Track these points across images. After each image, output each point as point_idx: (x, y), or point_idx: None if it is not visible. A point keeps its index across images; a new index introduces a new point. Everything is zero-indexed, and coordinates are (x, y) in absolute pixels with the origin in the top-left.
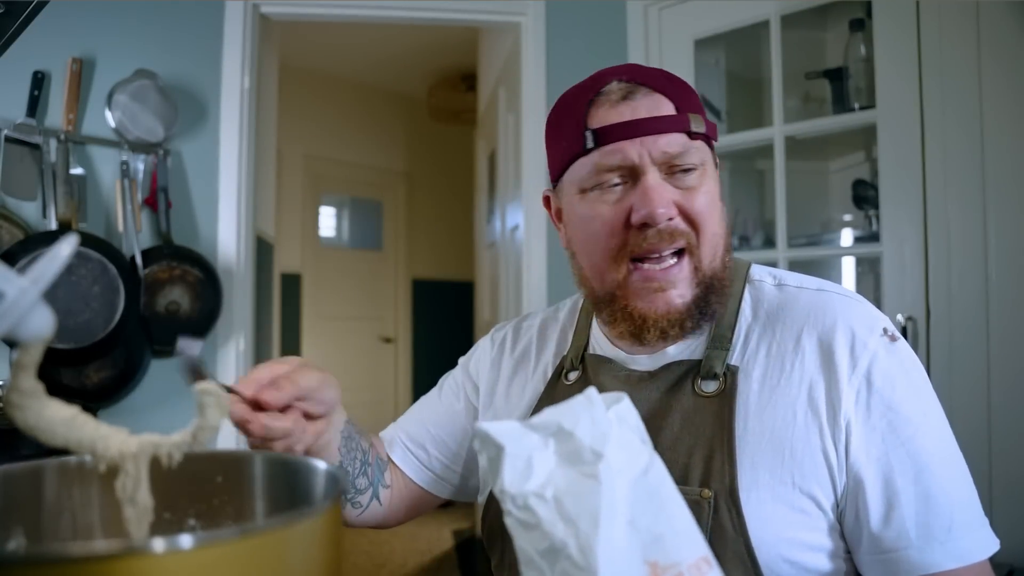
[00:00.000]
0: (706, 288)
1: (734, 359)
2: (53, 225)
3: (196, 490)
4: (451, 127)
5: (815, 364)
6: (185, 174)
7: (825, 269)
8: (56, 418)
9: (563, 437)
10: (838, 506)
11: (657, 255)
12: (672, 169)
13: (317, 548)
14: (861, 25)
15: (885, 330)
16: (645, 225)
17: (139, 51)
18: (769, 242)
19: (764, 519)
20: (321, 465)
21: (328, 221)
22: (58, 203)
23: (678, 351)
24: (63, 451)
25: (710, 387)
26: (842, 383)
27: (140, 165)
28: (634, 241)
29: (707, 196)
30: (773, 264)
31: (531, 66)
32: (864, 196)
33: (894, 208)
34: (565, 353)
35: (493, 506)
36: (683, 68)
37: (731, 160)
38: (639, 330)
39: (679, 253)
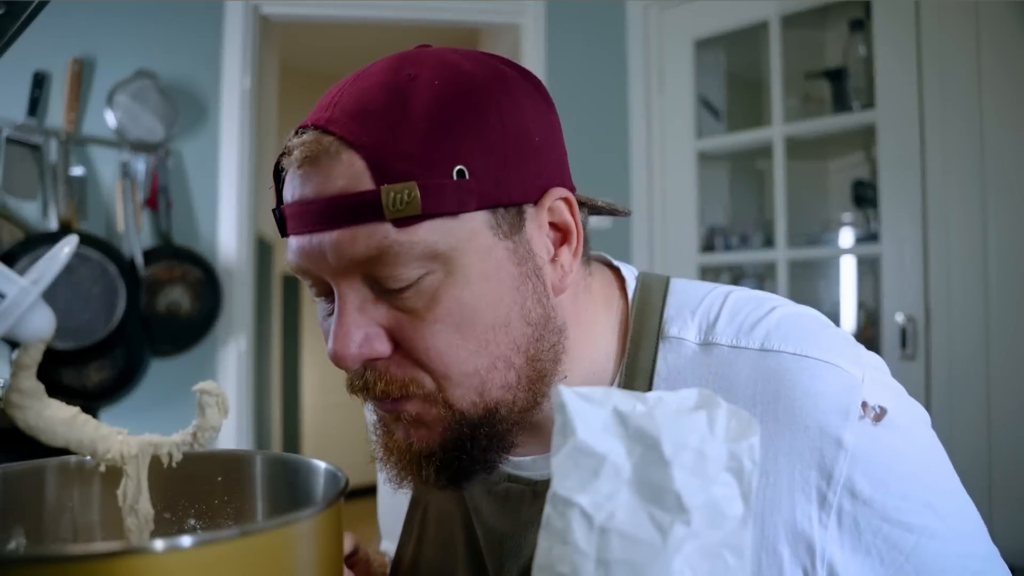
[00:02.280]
0: (471, 435)
1: None
2: (53, 225)
3: (196, 490)
4: None
5: (774, 484)
6: (185, 174)
7: (825, 269)
8: (56, 418)
9: (653, 457)
10: None
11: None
12: (378, 283)
13: (317, 548)
14: (861, 25)
15: (865, 405)
16: None
17: (139, 51)
18: (769, 242)
19: None
20: (321, 465)
21: None
22: (58, 203)
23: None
24: (63, 451)
25: None
26: (813, 508)
27: (140, 165)
28: (350, 383)
29: (446, 319)
30: (773, 264)
31: (531, 66)
32: (864, 196)
33: (894, 208)
34: None
35: None
36: (683, 68)
37: (731, 160)
38: (401, 464)
39: (405, 397)
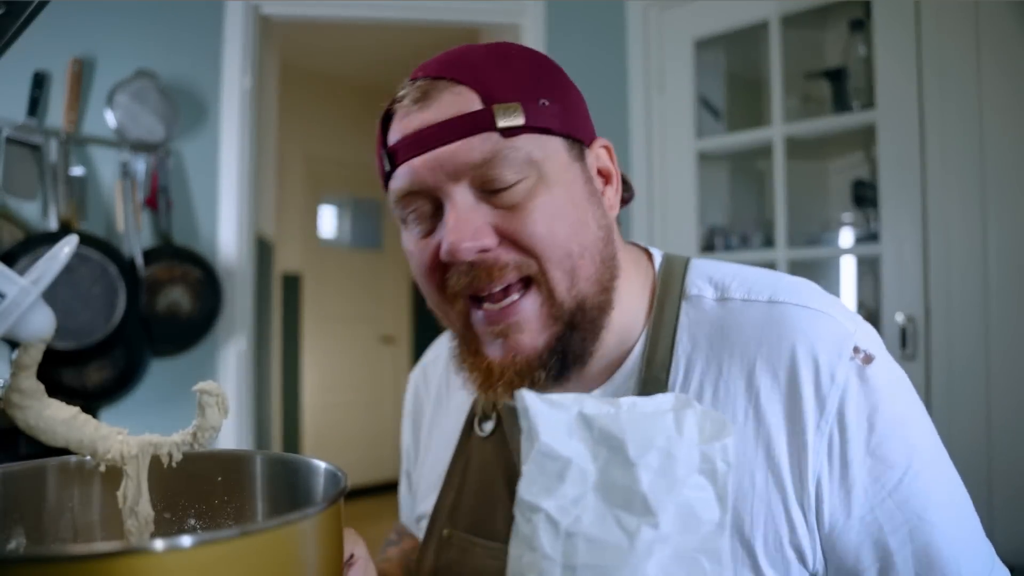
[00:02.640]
0: (570, 325)
1: None
2: (53, 225)
3: (196, 490)
4: None
5: (774, 411)
6: (185, 174)
7: (825, 269)
8: (56, 418)
9: (618, 460)
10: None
11: (488, 293)
12: (487, 185)
13: (317, 548)
14: (861, 25)
15: (856, 349)
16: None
17: (139, 51)
18: (769, 242)
19: None
20: (321, 465)
21: (328, 221)
22: (58, 203)
23: (605, 395)
24: (63, 451)
25: None
26: (808, 434)
27: (140, 165)
28: (455, 281)
29: (542, 211)
30: (773, 264)
31: None
32: (864, 196)
33: (894, 208)
34: (476, 396)
35: (429, 557)
36: (683, 68)
37: (731, 160)
38: (486, 382)
39: (525, 281)
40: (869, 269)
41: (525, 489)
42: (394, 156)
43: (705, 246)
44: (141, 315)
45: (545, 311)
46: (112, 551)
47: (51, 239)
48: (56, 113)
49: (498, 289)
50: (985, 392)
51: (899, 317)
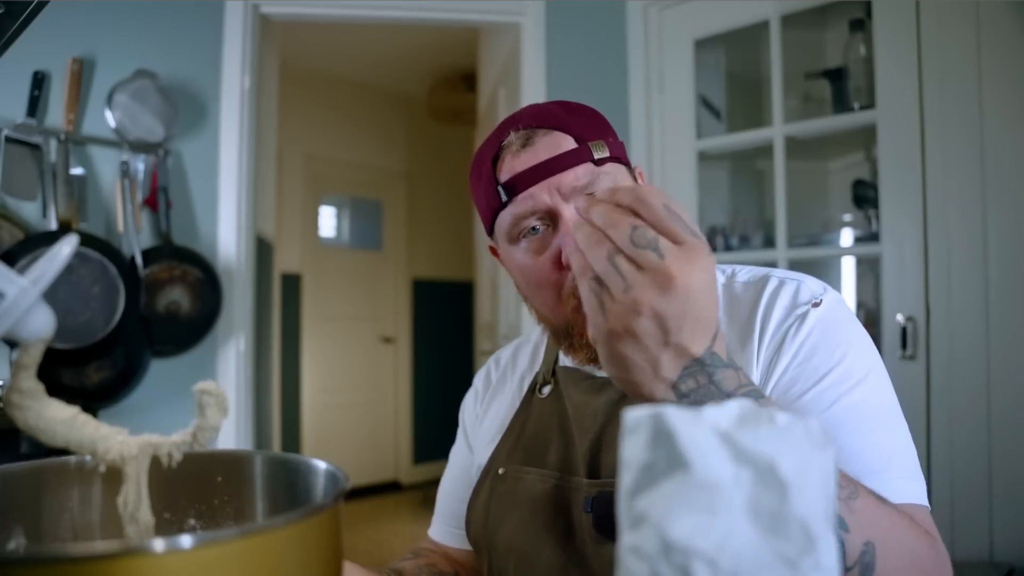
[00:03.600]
0: None
1: None
2: (53, 225)
3: (196, 490)
4: (451, 127)
5: (746, 353)
6: (185, 174)
7: (825, 269)
8: (56, 418)
9: (768, 481)
10: None
11: None
12: None
13: (317, 548)
14: (861, 25)
15: (815, 303)
16: None
17: (139, 51)
18: (769, 242)
19: None
20: (321, 465)
21: (328, 221)
22: (58, 203)
23: None
24: (63, 451)
25: None
26: (757, 358)
27: (140, 165)
28: (572, 279)
29: None
30: (773, 264)
31: (531, 66)
32: (864, 196)
33: (894, 208)
34: (539, 369)
35: (482, 496)
36: (683, 68)
37: (731, 160)
38: (592, 354)
39: None
40: (869, 269)
41: (678, 532)
42: (511, 188)
43: None
44: (141, 315)
45: None
46: (112, 551)
47: (51, 239)
48: (56, 113)
49: None
50: (985, 392)
51: (899, 317)
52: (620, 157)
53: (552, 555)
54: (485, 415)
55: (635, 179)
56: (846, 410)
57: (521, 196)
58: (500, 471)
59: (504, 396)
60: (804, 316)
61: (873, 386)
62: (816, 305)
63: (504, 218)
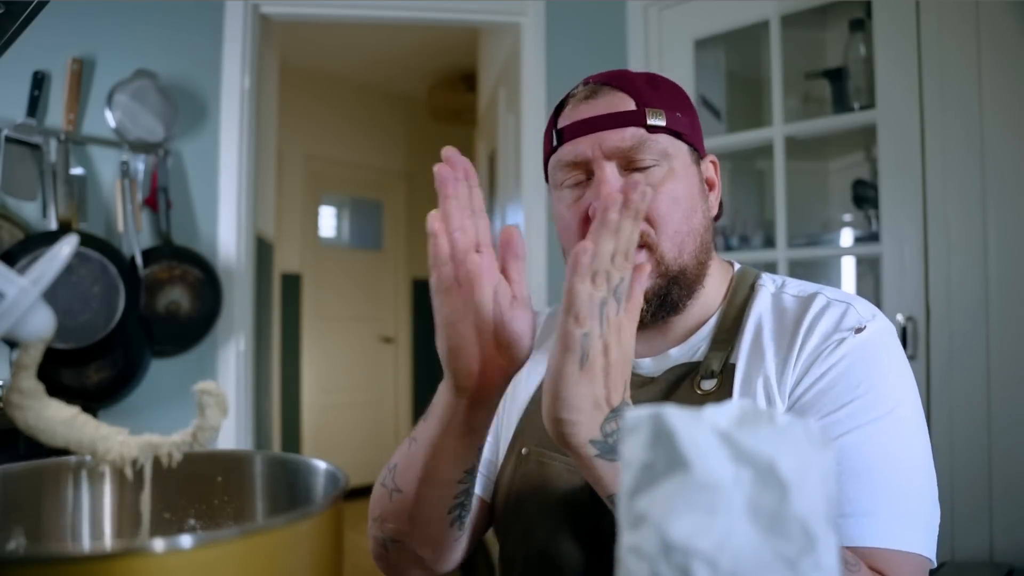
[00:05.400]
0: (668, 280)
1: (733, 359)
2: (53, 225)
3: (196, 490)
4: (451, 127)
5: (783, 365)
6: (185, 174)
7: (825, 269)
8: (56, 418)
9: (768, 481)
10: None
11: None
12: (630, 165)
13: (317, 548)
14: (861, 25)
15: (859, 328)
16: None
17: (139, 51)
18: (769, 242)
19: None
20: (321, 465)
21: (328, 221)
22: (58, 203)
23: (680, 354)
24: (63, 451)
25: (708, 385)
26: (789, 373)
27: (140, 165)
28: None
29: (668, 195)
30: (773, 264)
31: (531, 66)
32: (864, 196)
33: (894, 208)
34: None
35: (507, 473)
36: (683, 68)
37: (731, 160)
38: None
39: (645, 245)
40: (869, 269)
41: (678, 532)
42: (563, 134)
43: None
44: (141, 315)
45: (653, 266)
46: (112, 551)
47: (51, 239)
48: (56, 113)
49: None
50: (985, 392)
51: (899, 317)
52: (683, 134)
53: (577, 555)
54: (514, 391)
55: (698, 163)
56: (851, 445)
57: (568, 143)
58: (523, 451)
59: (540, 358)
60: (840, 342)
61: (890, 425)
62: (859, 331)
63: (552, 164)
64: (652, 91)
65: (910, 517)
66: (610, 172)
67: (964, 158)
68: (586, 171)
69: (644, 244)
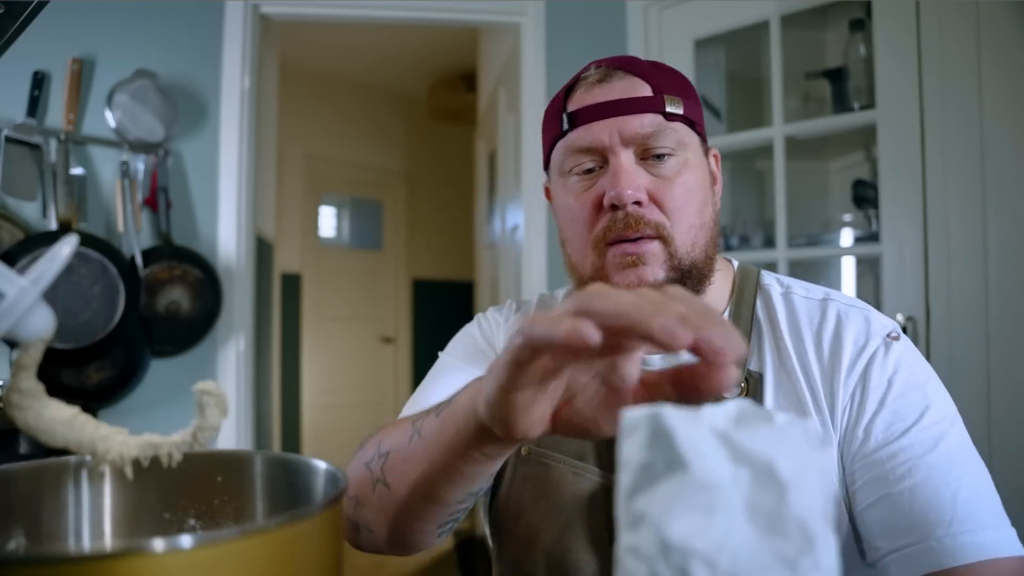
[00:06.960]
0: (681, 274)
1: (752, 366)
2: (53, 225)
3: (196, 490)
4: (451, 127)
5: (818, 371)
6: (185, 174)
7: (825, 269)
8: (56, 418)
9: (766, 480)
10: (848, 508)
11: (628, 239)
12: (647, 153)
13: (317, 548)
14: (861, 25)
15: (889, 335)
16: (616, 208)
17: (139, 51)
18: (769, 242)
19: None
20: (321, 465)
21: (328, 221)
22: (58, 203)
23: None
24: (63, 451)
25: (731, 394)
26: (839, 383)
27: (140, 165)
28: (607, 225)
29: (683, 187)
30: (773, 264)
31: (531, 66)
32: (864, 196)
33: (894, 208)
34: None
35: (506, 474)
36: (683, 68)
37: (731, 160)
38: None
39: (657, 237)
40: (869, 269)
41: (676, 533)
42: (575, 118)
43: None
44: (141, 315)
45: (665, 259)
46: (112, 551)
47: (51, 239)
48: (56, 113)
49: (635, 237)
50: (985, 392)
51: (899, 317)
52: (697, 122)
53: (591, 562)
54: None
55: (706, 155)
56: (950, 452)
57: (582, 128)
58: (523, 451)
59: None
60: (888, 347)
61: (962, 426)
62: (895, 337)
63: (560, 148)
64: (665, 78)
65: (1005, 516)
66: (626, 160)
67: (964, 158)
68: (600, 157)
69: (659, 236)
